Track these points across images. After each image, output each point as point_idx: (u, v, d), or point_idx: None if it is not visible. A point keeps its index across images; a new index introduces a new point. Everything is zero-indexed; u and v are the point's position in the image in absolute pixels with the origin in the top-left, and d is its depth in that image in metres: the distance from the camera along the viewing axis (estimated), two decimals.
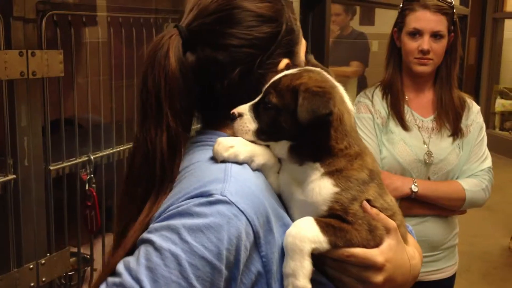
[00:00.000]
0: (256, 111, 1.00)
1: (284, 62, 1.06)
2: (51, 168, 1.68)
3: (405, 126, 2.10)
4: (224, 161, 0.96)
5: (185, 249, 0.83)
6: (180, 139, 0.99)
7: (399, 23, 2.15)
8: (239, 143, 0.99)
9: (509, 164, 6.53)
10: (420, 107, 2.16)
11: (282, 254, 0.94)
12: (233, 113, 1.00)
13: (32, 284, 1.59)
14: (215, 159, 0.97)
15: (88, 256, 1.98)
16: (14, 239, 1.55)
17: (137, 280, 0.82)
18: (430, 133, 2.12)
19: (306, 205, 0.98)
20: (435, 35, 2.06)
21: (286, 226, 0.96)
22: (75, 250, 1.88)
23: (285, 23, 1.08)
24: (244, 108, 1.00)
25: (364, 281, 0.99)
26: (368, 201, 1.00)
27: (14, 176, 1.53)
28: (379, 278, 0.99)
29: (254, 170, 0.99)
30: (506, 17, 8.44)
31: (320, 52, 2.34)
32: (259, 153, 1.00)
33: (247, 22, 1.02)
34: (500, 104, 8.32)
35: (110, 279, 0.86)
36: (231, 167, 0.95)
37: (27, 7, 1.49)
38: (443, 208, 2.10)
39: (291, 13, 1.12)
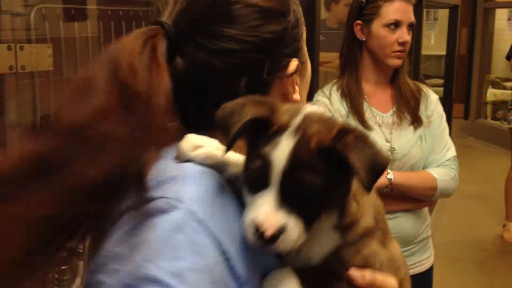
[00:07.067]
0: (285, 205, 0.71)
1: (294, 64, 0.87)
2: None
3: (366, 127, 2.03)
4: (188, 161, 0.76)
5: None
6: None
7: (369, 15, 2.06)
8: (211, 144, 0.77)
9: (500, 153, 6.56)
10: (378, 103, 2.11)
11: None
12: (266, 236, 0.69)
13: None
14: (178, 158, 0.76)
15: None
16: None
17: None
18: (390, 128, 2.08)
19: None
20: (410, 26, 2.04)
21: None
22: None
23: (292, 14, 0.88)
24: (275, 219, 0.70)
25: None
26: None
27: None
28: None
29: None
30: (497, 7, 8.46)
31: (310, 42, 2.33)
32: (234, 162, 0.78)
33: (250, 21, 0.82)
34: (492, 93, 8.36)
35: None
36: (194, 166, 0.75)
37: (16, 1, 1.48)
38: (413, 200, 2.07)
39: None
